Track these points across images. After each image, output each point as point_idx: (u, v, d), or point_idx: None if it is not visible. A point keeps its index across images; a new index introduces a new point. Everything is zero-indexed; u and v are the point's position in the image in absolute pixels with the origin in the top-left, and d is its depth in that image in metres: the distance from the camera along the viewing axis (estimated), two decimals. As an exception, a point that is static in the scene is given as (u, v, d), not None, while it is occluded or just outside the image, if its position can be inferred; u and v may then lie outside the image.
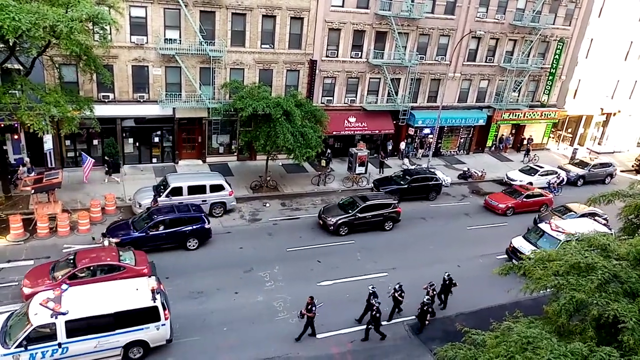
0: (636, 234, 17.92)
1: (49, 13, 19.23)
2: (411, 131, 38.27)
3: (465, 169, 37.11)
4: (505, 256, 24.73)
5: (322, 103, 33.95)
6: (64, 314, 15.05)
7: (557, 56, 40.60)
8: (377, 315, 18.04)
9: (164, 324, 16.36)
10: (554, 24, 39.68)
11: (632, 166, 43.10)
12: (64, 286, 16.13)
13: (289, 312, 19.29)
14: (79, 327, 15.26)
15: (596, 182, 37.55)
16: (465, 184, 35.60)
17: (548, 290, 13.58)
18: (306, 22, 31.97)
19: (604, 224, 26.16)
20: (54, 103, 22.41)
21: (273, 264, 22.59)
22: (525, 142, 42.88)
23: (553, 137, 46.61)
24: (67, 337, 15.12)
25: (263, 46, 31.61)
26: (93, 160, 27.03)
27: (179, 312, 18.55)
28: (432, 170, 34.03)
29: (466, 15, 36.16)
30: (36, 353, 14.96)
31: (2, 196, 25.62)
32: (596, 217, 27.27)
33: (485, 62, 38.65)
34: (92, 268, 18.51)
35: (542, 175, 35.20)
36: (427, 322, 19.06)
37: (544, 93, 42.31)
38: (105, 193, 26.38)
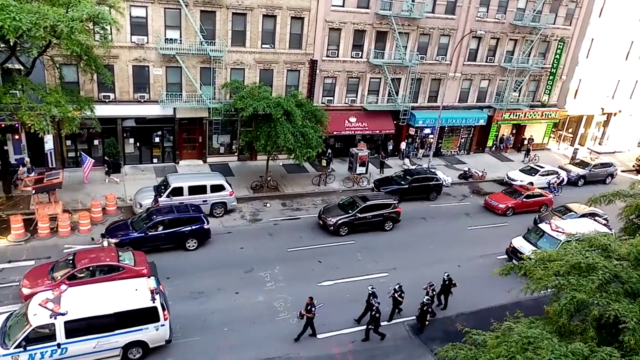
0: (637, 234, 17.89)
1: (50, 13, 19.25)
2: (412, 131, 38.27)
3: (466, 169, 37.10)
4: (506, 256, 24.72)
5: (322, 103, 33.96)
6: (63, 314, 15.05)
7: (557, 56, 40.58)
8: (377, 315, 18.04)
9: (163, 325, 16.34)
10: (554, 23, 39.66)
11: (633, 166, 43.08)
12: (63, 287, 16.11)
13: (290, 313, 19.29)
14: (78, 328, 15.25)
15: (597, 182, 37.52)
16: (465, 184, 35.60)
17: (549, 290, 13.58)
18: (307, 22, 31.97)
19: (604, 224, 26.13)
20: (55, 103, 22.44)
21: (274, 264, 22.59)
22: (525, 142, 42.86)
23: (554, 137, 46.58)
24: (66, 337, 15.11)
25: (263, 46, 31.61)
26: (93, 161, 27.04)
27: (179, 312, 18.56)
28: (433, 170, 34.03)
29: (467, 15, 36.15)
30: (35, 354, 14.94)
31: (3, 196, 25.64)
32: (596, 217, 27.25)
33: (486, 62, 38.64)
34: (91, 268, 18.50)
35: (542, 176, 35.18)
36: (427, 322, 19.05)
37: (544, 93, 42.29)
38: (106, 193, 26.40)
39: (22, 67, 23.81)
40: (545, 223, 25.38)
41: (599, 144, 48.06)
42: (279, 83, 32.86)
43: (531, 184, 34.17)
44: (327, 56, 33.33)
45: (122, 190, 28.18)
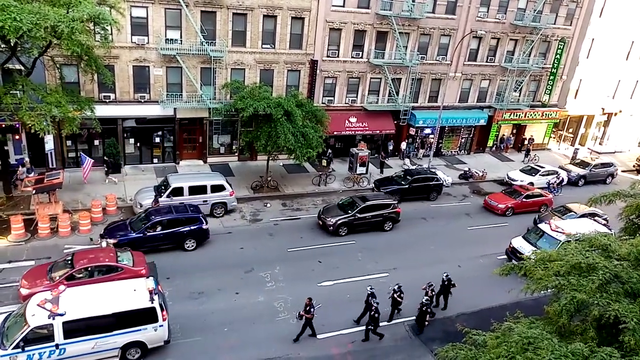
0: (637, 234, 17.89)
1: (50, 13, 19.26)
2: (412, 131, 38.26)
3: (466, 169, 37.10)
4: (505, 257, 24.71)
5: (323, 103, 33.96)
6: (61, 315, 15.03)
7: (558, 56, 40.56)
8: (376, 315, 18.04)
9: (162, 325, 16.34)
10: (555, 23, 39.64)
11: (633, 166, 43.06)
12: (62, 287, 16.09)
13: (290, 313, 19.29)
14: (76, 328, 15.23)
15: (597, 182, 37.51)
16: (466, 184, 35.59)
17: (549, 290, 13.59)
18: (307, 22, 31.97)
19: (604, 224, 26.10)
20: (55, 103, 22.47)
21: (274, 264, 22.60)
22: (526, 142, 42.84)
23: (554, 137, 46.56)
24: (65, 338, 15.10)
25: (264, 46, 31.62)
26: (92, 161, 27.08)
27: (179, 313, 18.59)
28: (433, 170, 34.02)
29: (467, 15, 36.15)
30: (33, 354, 14.93)
31: (4, 196, 25.65)
32: (596, 218, 27.22)
33: (486, 62, 38.62)
34: (89, 269, 18.49)
35: (543, 176, 35.16)
36: (426, 322, 19.05)
37: (545, 93, 42.27)
38: (106, 193, 26.41)
39: (22, 68, 23.82)
40: (545, 223, 25.36)
41: (600, 144, 48.04)
42: (279, 83, 32.87)
43: (531, 184, 34.15)
44: (328, 56, 33.33)
45: (122, 191, 28.20)
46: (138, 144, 31.72)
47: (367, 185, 32.76)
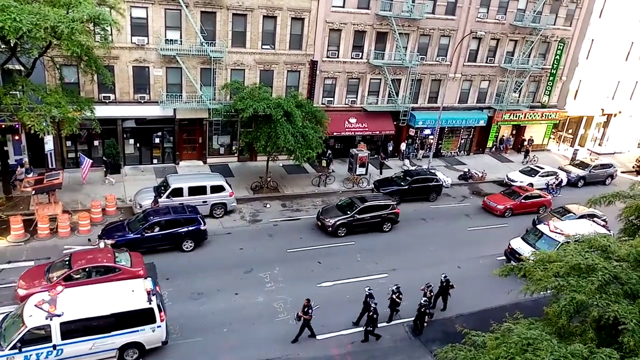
0: (637, 235, 17.91)
1: (50, 14, 19.25)
2: (412, 132, 38.27)
3: (466, 169, 37.11)
4: (504, 257, 24.72)
5: (322, 104, 33.97)
6: (58, 315, 15.01)
7: (557, 57, 40.59)
8: (375, 316, 18.03)
9: (160, 326, 16.32)
10: (554, 24, 39.66)
11: (633, 167, 43.08)
12: (59, 288, 16.05)
13: (290, 313, 19.28)
14: (74, 329, 15.22)
15: (597, 183, 37.53)
16: (465, 185, 35.60)
17: (548, 291, 13.60)
18: (307, 22, 31.99)
19: (603, 225, 26.09)
20: (55, 104, 22.46)
21: (273, 265, 22.60)
22: (525, 143, 42.84)
23: (554, 138, 46.58)
24: (62, 339, 15.07)
25: (264, 47, 31.63)
26: (91, 161, 27.09)
27: (179, 313, 18.60)
28: (433, 171, 34.01)
29: (467, 16, 36.17)
30: (30, 355, 14.91)
31: (3, 197, 25.65)
32: (595, 219, 27.20)
33: (486, 62, 38.65)
34: (87, 269, 18.46)
35: (542, 177, 35.15)
36: (425, 323, 19.04)
37: (544, 94, 42.30)
38: (106, 194, 26.40)
39: (22, 68, 23.82)
40: (544, 224, 25.34)
41: (599, 144, 48.05)
42: (279, 84, 32.88)
43: (531, 185, 34.15)
44: (328, 57, 33.34)
45: (122, 191, 28.19)
46: (138, 145, 31.72)
47: (367, 186, 32.76)
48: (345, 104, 35.32)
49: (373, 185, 32.22)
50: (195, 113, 31.41)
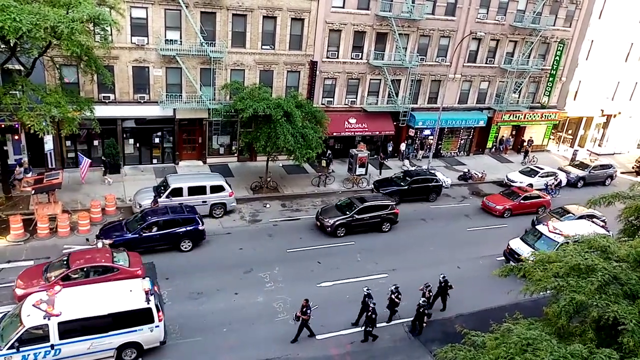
0: (636, 236, 17.91)
1: (50, 14, 19.25)
2: (411, 132, 38.28)
3: (466, 170, 37.13)
4: (503, 258, 24.72)
5: (322, 104, 33.98)
6: (56, 315, 14.99)
7: (557, 58, 40.62)
8: (373, 316, 18.03)
9: (158, 326, 16.31)
10: (554, 25, 39.68)
11: (633, 168, 43.10)
12: (57, 287, 16.03)
13: (289, 313, 19.26)
14: (72, 329, 15.19)
15: (596, 184, 37.55)
16: (465, 186, 35.61)
17: (548, 291, 13.59)
18: (307, 23, 32.00)
19: (602, 226, 26.08)
20: (55, 104, 22.46)
21: (273, 265, 22.59)
22: (525, 143, 42.85)
23: (553, 139, 46.60)
24: (60, 338, 15.06)
25: (263, 47, 31.64)
26: (89, 161, 27.08)
27: (179, 313, 18.60)
28: (433, 171, 34.02)
29: (467, 17, 36.19)
30: (28, 355, 14.88)
31: (3, 197, 25.64)
32: (594, 219, 27.20)
33: (486, 63, 38.67)
34: (85, 269, 18.43)
35: (542, 177, 35.15)
36: (424, 324, 19.02)
37: (544, 94, 42.33)
38: (106, 194, 26.40)
39: (22, 68, 23.82)
40: (543, 225, 25.35)
41: (599, 145, 48.06)
42: (279, 84, 32.89)
43: (531, 185, 34.16)
44: (327, 57, 33.36)
45: (121, 191, 28.19)
46: (137, 145, 31.72)
47: (367, 186, 32.77)
48: (345, 104, 35.33)
49: (373, 186, 32.23)
50: (195, 113, 31.41)
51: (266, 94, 28.58)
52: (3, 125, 25.19)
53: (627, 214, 18.73)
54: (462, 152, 41.70)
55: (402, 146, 38.38)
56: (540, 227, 25.17)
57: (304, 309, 17.65)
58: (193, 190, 25.71)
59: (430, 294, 19.99)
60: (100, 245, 20.77)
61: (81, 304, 15.67)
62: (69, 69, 27.61)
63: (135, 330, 15.98)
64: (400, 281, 20.31)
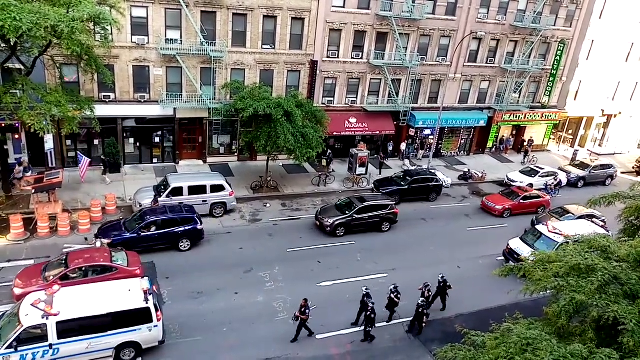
0: (636, 236, 17.91)
1: (51, 13, 19.25)
2: (412, 132, 38.28)
3: (466, 170, 37.13)
4: (503, 258, 24.72)
5: (323, 104, 33.98)
6: (55, 315, 14.96)
7: (558, 57, 40.60)
8: (372, 316, 18.02)
9: (156, 326, 16.28)
10: (554, 25, 39.66)
11: (633, 168, 43.10)
12: (56, 287, 15.99)
13: (289, 313, 19.25)
14: (70, 328, 15.16)
15: (597, 184, 37.54)
16: (465, 185, 35.61)
17: (548, 291, 13.59)
18: (307, 22, 31.99)
19: (602, 226, 26.06)
20: (55, 103, 22.45)
21: (273, 265, 22.60)
22: (525, 143, 42.83)
23: (554, 139, 46.58)
24: (58, 338, 15.03)
25: (264, 47, 31.63)
26: (89, 160, 27.06)
27: (179, 312, 18.60)
28: (433, 171, 34.02)
29: (467, 17, 36.18)
30: (26, 354, 14.85)
31: (3, 196, 25.64)
32: (594, 219, 27.19)
33: (486, 63, 38.65)
34: (84, 269, 18.41)
35: (542, 177, 35.14)
36: (424, 324, 19.00)
37: (544, 94, 42.32)
38: (106, 193, 26.40)
39: (22, 67, 23.81)
40: (543, 225, 25.34)
41: (599, 145, 48.05)
42: (279, 83, 32.89)
43: (531, 185, 34.15)
44: (328, 57, 33.35)
45: (122, 190, 28.19)
46: (138, 144, 31.72)
47: (367, 186, 32.77)
48: (345, 104, 35.32)
49: (373, 185, 32.22)
50: (196, 112, 31.41)
51: (266, 94, 28.58)
52: (3, 125, 25.20)
53: (628, 214, 18.72)
54: (462, 152, 41.70)
55: (403, 146, 38.37)
56: (539, 227, 25.16)
57: (303, 309, 17.65)
58: (193, 190, 25.71)
59: (430, 293, 19.99)
60: (98, 244, 20.76)
61: (80, 304, 15.64)
62: (70, 68, 27.61)
63: (134, 330, 15.96)
64: (400, 281, 20.32)
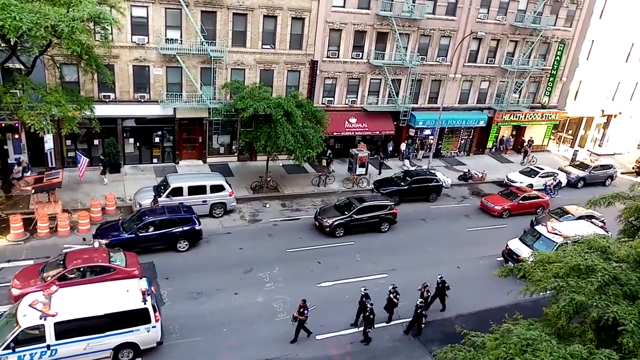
0: (636, 236, 17.90)
1: (51, 13, 19.24)
2: (412, 132, 38.27)
3: (466, 170, 37.12)
4: (502, 258, 24.71)
5: (322, 104, 33.97)
6: (53, 315, 14.93)
7: (558, 58, 40.60)
8: (371, 316, 18.02)
9: (155, 326, 16.26)
10: (555, 25, 39.66)
11: (633, 168, 43.10)
12: (54, 287, 15.92)
13: (289, 313, 19.22)
14: (68, 329, 15.13)
15: (596, 184, 37.54)
16: (465, 186, 35.60)
17: (548, 292, 13.58)
18: (307, 22, 31.98)
19: (601, 227, 26.05)
20: (55, 103, 22.44)
21: (273, 265, 22.59)
22: (524, 144, 42.82)
23: (554, 139, 46.58)
24: (56, 339, 14.99)
25: (264, 46, 31.62)
26: (88, 160, 27.06)
27: (179, 313, 18.60)
28: (433, 171, 34.00)
29: (467, 16, 36.17)
30: (24, 355, 14.81)
31: (3, 196, 25.64)
32: (593, 220, 27.18)
33: (486, 63, 38.64)
34: (82, 269, 18.37)
35: (542, 177, 35.13)
36: (423, 324, 18.99)
37: (544, 94, 42.31)
38: (106, 193, 26.39)
39: (22, 67, 23.81)
40: (542, 225, 25.32)
41: (599, 145, 48.06)
42: (279, 83, 32.88)
43: (531, 185, 34.14)
44: (328, 57, 33.34)
45: (121, 190, 28.18)
46: (138, 144, 31.71)
47: (367, 186, 32.76)
48: (345, 104, 35.32)
49: (373, 186, 32.21)
50: (195, 112, 31.40)
51: (266, 94, 28.58)
52: (3, 124, 25.20)
53: (627, 214, 18.71)
54: (462, 152, 41.69)
55: (403, 146, 38.37)
56: (539, 228, 25.13)
57: (301, 310, 17.65)
58: (193, 190, 25.69)
59: (429, 294, 19.98)
60: (97, 245, 20.71)
61: (78, 304, 15.61)
62: (70, 67, 27.60)
63: (132, 331, 15.94)
64: (400, 281, 20.32)
